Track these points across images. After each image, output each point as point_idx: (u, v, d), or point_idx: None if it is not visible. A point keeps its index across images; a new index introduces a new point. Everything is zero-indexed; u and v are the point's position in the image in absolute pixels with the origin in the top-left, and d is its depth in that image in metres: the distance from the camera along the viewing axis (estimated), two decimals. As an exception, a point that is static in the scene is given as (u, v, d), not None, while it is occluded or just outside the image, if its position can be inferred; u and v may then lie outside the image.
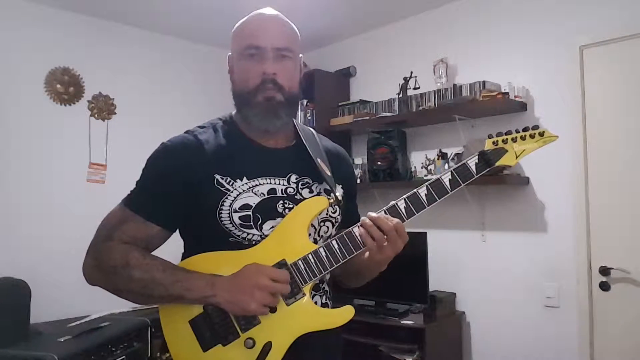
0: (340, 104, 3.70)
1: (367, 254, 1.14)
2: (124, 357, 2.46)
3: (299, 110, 3.70)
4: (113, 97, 3.41)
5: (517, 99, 2.76)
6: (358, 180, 3.41)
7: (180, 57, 3.77)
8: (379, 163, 3.25)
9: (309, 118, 3.65)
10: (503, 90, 2.74)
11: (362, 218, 1.10)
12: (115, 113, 3.42)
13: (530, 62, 2.82)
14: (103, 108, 3.37)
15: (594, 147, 2.59)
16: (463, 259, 3.09)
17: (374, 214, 1.09)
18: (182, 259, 1.17)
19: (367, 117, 3.34)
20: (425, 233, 2.95)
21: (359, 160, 3.59)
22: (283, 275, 1.06)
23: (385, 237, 1.07)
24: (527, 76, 2.82)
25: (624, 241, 2.48)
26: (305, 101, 3.67)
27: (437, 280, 3.06)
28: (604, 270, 2.52)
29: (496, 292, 2.93)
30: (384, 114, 3.30)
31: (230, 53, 1.21)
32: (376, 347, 2.84)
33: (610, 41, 2.53)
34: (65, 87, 3.21)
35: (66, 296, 2.96)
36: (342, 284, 1.35)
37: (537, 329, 2.77)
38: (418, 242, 2.92)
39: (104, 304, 2.55)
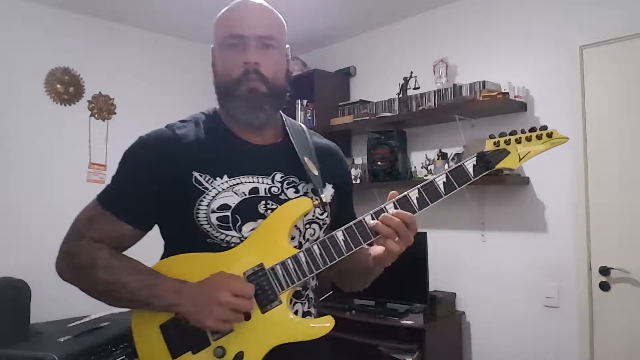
0: (340, 104, 3.69)
1: (375, 251, 1.06)
2: (124, 357, 2.45)
3: (299, 110, 3.70)
4: (113, 97, 3.41)
5: (517, 99, 2.76)
6: (358, 181, 3.40)
7: (180, 57, 3.77)
8: (379, 163, 3.24)
9: (309, 118, 3.65)
10: (503, 90, 2.74)
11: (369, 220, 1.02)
12: (115, 113, 3.42)
13: (530, 62, 2.82)
14: (103, 108, 3.37)
15: (594, 147, 2.59)
16: (463, 259, 3.09)
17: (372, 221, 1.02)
18: (161, 259, 1.12)
19: (367, 117, 3.33)
20: (425, 233, 2.95)
21: (359, 160, 3.59)
22: (246, 290, 0.98)
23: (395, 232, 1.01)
24: (527, 76, 2.81)
25: (624, 241, 2.48)
26: (305, 101, 3.67)
27: (437, 280, 3.06)
28: (604, 270, 2.52)
29: (496, 292, 2.93)
30: (384, 114, 3.29)
31: (212, 46, 1.15)
32: (376, 347, 2.84)
33: (610, 41, 2.53)
34: (65, 87, 3.20)
35: (66, 296, 2.92)
36: (341, 288, 1.28)
37: (537, 329, 2.77)
38: (418, 242, 2.86)
39: (103, 304, 2.55)
